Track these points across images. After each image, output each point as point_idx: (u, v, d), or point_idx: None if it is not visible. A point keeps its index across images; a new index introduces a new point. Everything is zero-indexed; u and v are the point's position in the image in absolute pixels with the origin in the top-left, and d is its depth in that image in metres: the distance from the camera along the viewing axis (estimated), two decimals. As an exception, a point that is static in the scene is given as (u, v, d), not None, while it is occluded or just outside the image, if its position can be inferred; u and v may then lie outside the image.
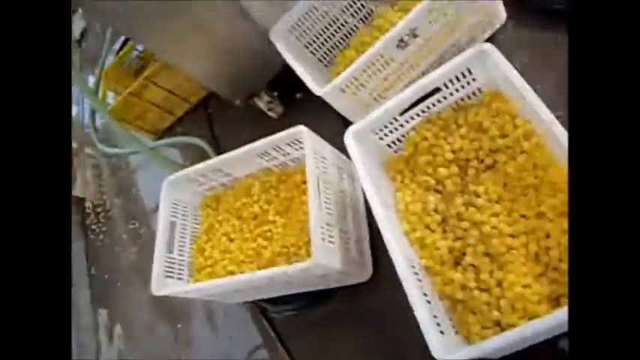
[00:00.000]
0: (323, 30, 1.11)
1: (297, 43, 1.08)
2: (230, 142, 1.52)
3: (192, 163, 1.09)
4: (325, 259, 0.80)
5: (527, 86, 0.67)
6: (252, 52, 1.10)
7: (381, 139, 0.86)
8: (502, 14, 0.96)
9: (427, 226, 0.76)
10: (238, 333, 1.17)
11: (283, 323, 1.11)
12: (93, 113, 2.17)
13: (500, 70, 0.71)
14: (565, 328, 0.68)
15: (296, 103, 1.33)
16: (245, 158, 1.02)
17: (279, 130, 0.97)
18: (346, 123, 0.87)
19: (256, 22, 1.04)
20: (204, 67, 1.09)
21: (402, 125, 0.85)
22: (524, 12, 0.96)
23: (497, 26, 0.97)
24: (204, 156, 1.41)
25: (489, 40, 0.98)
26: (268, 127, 1.34)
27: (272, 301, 1.11)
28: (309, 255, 0.86)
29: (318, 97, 0.98)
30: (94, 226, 1.82)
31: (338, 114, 1.07)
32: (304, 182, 1.00)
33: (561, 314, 0.55)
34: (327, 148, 0.95)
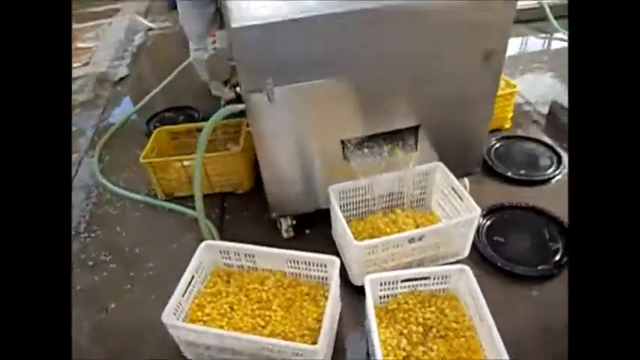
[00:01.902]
0: (357, 203, 1.61)
1: (337, 202, 1.55)
2: (234, 236, 1.84)
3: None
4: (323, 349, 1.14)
5: (485, 303, 1.16)
6: (311, 194, 1.55)
7: (380, 291, 1.29)
8: (466, 251, 1.53)
9: (395, 355, 1.15)
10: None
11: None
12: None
13: (469, 286, 1.21)
14: None
15: (302, 235, 1.75)
16: (277, 257, 1.39)
17: (280, 246, 1.39)
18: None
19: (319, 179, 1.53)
20: (282, 183, 1.51)
21: (395, 288, 1.29)
22: (480, 258, 1.55)
23: (461, 257, 1.53)
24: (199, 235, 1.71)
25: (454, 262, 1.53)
26: (274, 241, 1.74)
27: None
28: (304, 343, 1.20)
29: (319, 236, 1.58)
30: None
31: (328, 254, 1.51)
32: (307, 294, 1.37)
33: None
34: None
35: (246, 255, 1.42)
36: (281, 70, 1.24)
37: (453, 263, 1.53)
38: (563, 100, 2.33)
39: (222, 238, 1.80)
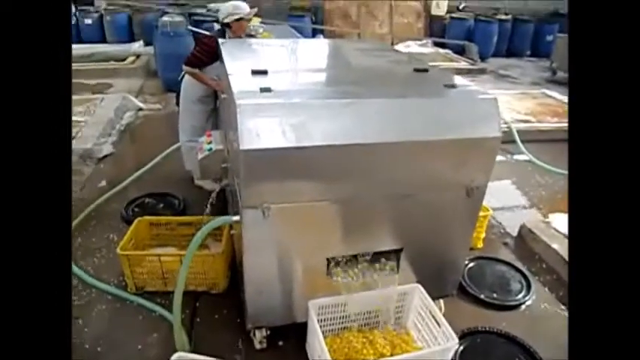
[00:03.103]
0: (334, 318, 1.60)
1: (316, 317, 1.53)
2: (204, 342, 1.76)
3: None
4: None
5: None
6: (290, 307, 1.54)
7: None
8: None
9: None
10: None
11: None
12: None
13: None
14: None
15: (275, 346, 1.69)
16: (251, 376, 1.34)
17: (252, 357, 1.39)
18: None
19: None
20: (264, 294, 1.50)
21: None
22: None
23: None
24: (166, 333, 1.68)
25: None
26: (246, 351, 1.67)
27: None
28: None
29: (291, 348, 1.58)
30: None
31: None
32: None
33: None
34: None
35: (218, 370, 1.36)
36: (280, 190, 1.29)
37: (428, 392, 1.51)
38: (531, 223, 2.47)
39: (191, 342, 1.73)
